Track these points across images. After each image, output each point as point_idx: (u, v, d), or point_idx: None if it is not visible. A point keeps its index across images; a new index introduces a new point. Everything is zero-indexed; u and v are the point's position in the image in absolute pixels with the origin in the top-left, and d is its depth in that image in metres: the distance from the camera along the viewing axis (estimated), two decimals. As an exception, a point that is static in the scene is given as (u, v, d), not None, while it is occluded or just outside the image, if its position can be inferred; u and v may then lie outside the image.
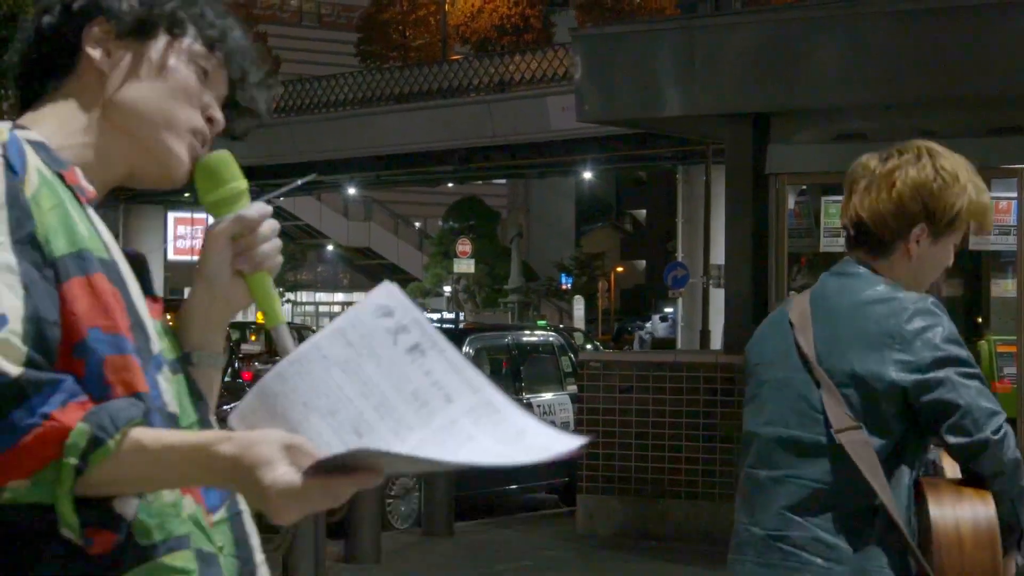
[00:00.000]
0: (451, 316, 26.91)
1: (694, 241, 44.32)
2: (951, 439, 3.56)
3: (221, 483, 1.95)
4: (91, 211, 2.08)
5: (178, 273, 58.18)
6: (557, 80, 45.82)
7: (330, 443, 1.87)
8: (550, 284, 66.66)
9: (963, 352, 3.59)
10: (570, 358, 16.42)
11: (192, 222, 64.11)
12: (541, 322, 44.95)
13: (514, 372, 15.74)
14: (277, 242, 2.18)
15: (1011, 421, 10.04)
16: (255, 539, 2.17)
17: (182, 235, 65.01)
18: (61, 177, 2.05)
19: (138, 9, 2.17)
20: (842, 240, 8.20)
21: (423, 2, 58.01)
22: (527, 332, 18.28)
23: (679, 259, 43.72)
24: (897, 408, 3.60)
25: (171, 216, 63.85)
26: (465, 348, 15.11)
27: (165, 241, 60.70)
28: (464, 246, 48.99)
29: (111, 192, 2.20)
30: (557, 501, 15.93)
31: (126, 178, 2.19)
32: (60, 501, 1.86)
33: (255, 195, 2.21)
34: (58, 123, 2.14)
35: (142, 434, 1.90)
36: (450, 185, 60.09)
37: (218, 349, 2.22)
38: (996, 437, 3.52)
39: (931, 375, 3.55)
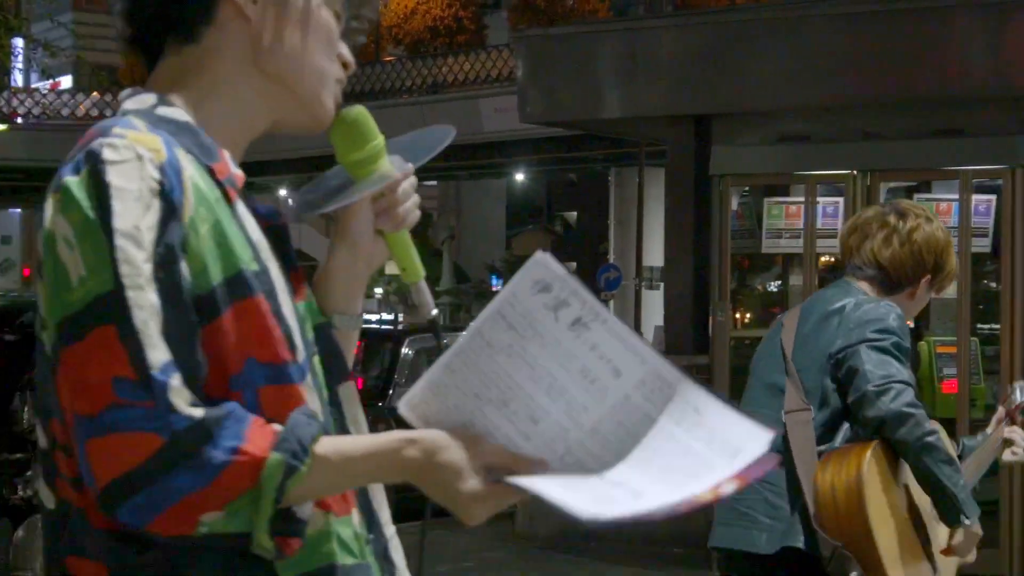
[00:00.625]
0: (390, 318, 26.82)
1: (626, 243, 44.47)
2: (849, 399, 4.17)
3: (405, 480, 1.94)
4: (240, 207, 2.03)
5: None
6: (490, 82, 45.88)
7: (508, 434, 1.86)
8: (481, 286, 66.71)
9: (889, 338, 4.19)
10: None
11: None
12: (473, 324, 44.98)
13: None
14: (416, 198, 2.17)
15: (951, 421, 10.09)
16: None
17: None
18: (211, 172, 1.99)
19: None
20: (782, 241, 8.70)
21: (355, 3, 58.00)
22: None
23: (611, 261, 43.84)
24: (834, 384, 4.25)
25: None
26: (404, 349, 15.08)
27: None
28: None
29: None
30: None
31: (269, 129, 2.14)
32: (258, 529, 1.87)
33: None
34: (204, 86, 2.07)
35: (326, 448, 1.90)
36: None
37: (359, 310, 2.22)
38: (874, 389, 4.08)
39: (849, 348, 4.20)
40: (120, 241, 1.86)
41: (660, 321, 42.35)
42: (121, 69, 55.31)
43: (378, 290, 62.47)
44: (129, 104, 2.07)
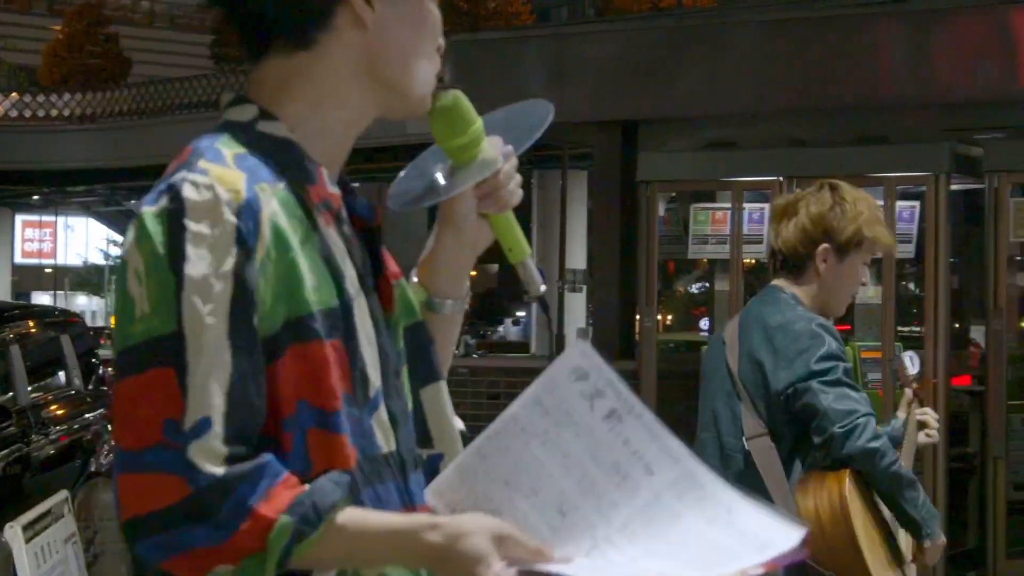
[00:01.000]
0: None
1: (549, 246, 44.46)
2: (815, 439, 4.18)
3: (425, 567, 1.92)
4: (332, 231, 2.02)
5: (26, 276, 57.18)
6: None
7: (535, 526, 1.82)
8: (404, 288, 66.73)
9: (835, 364, 4.17)
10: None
11: (40, 225, 63.11)
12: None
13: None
14: (519, 178, 2.16)
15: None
16: None
17: (30, 238, 63.93)
18: (303, 197, 1.97)
19: None
20: (709, 247, 8.70)
21: None
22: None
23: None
24: (786, 415, 4.23)
25: (19, 219, 62.80)
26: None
27: (12, 244, 59.67)
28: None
29: None
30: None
31: None
32: None
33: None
34: (312, 97, 2.04)
35: (346, 518, 1.89)
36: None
37: (464, 294, 2.22)
38: (840, 431, 4.10)
39: (800, 385, 4.17)
40: (189, 288, 1.87)
41: (582, 323, 42.44)
42: (40, 70, 54.89)
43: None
44: (231, 114, 2.04)
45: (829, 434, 4.13)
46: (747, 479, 4.19)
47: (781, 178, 10.98)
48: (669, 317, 13.67)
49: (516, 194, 2.17)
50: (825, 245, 4.30)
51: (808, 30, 12.11)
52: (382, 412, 2.02)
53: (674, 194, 11.86)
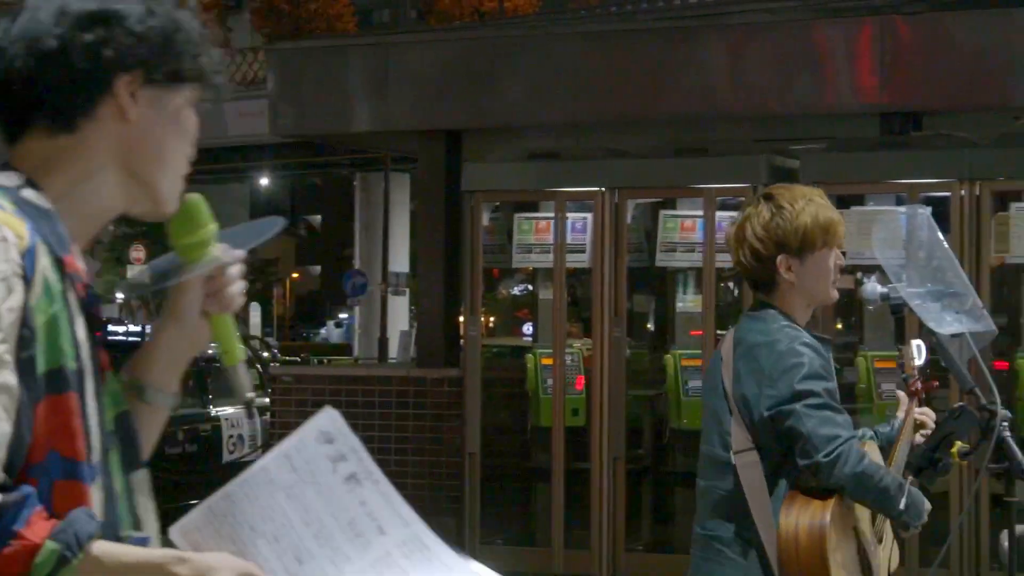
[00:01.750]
0: (137, 329, 26.33)
1: (372, 248, 44.46)
2: (800, 461, 4.26)
3: None
4: (74, 302, 2.10)
5: None
6: (234, 85, 45.47)
7: (274, 569, 1.96)
8: (224, 290, 66.09)
9: (817, 386, 4.26)
10: (258, 370, 16.37)
11: None
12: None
13: (200, 384, 15.57)
14: (242, 283, 2.27)
15: (696, 434, 10.35)
16: None
17: None
18: (61, 265, 2.07)
19: (172, 61, 2.22)
20: (533, 256, 9.02)
21: (95, 2, 56.95)
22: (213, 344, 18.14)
23: (356, 266, 43.80)
24: (772, 434, 4.31)
25: None
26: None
27: None
28: (138, 252, 48.11)
29: None
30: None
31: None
32: None
33: None
34: (73, 177, 2.17)
35: (101, 550, 2.00)
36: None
37: (175, 389, 2.30)
38: (826, 460, 4.17)
39: (785, 407, 4.24)
40: None
41: (405, 326, 42.45)
42: None
43: (120, 295, 61.46)
44: None
45: (815, 462, 4.19)
46: (737, 493, 4.33)
47: (603, 189, 11.13)
48: (492, 322, 13.75)
49: (239, 299, 2.28)
50: (781, 256, 4.37)
51: (629, 43, 12.28)
52: (99, 481, 2.11)
53: (498, 204, 11.94)
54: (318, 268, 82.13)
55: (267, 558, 2.00)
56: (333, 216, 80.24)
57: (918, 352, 4.51)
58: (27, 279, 2.01)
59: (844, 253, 4.54)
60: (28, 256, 2.02)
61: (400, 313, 43.06)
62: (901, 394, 4.60)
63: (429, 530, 2.02)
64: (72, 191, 2.16)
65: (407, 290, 41.30)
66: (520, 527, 12.16)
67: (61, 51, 2.16)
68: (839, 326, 11.94)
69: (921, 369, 4.53)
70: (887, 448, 4.52)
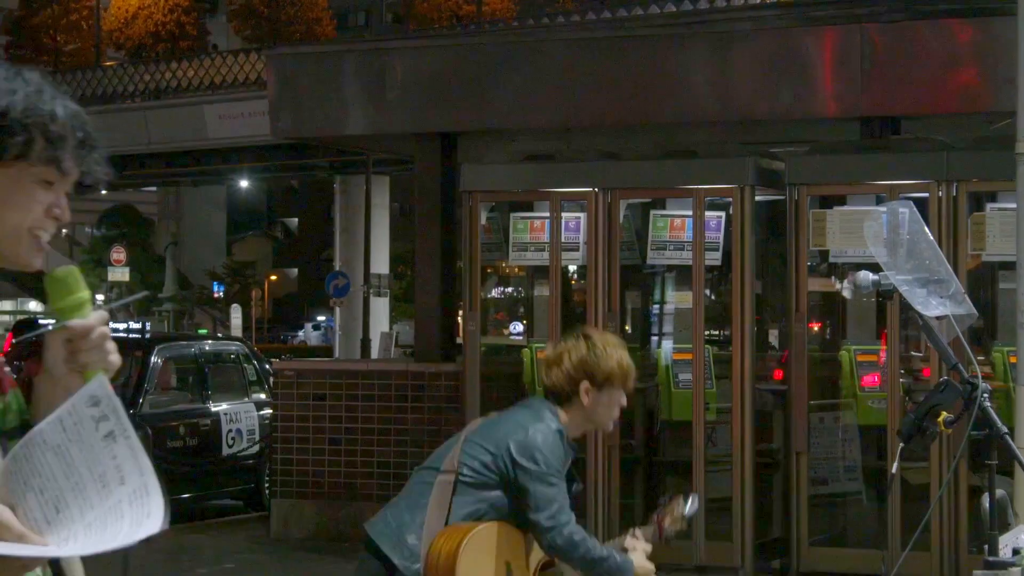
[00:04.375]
0: (138, 326, 26.61)
1: (353, 250, 44.70)
2: (528, 515, 5.36)
3: None
4: None
5: None
6: (214, 88, 45.64)
7: (37, 519, 2.37)
8: (203, 292, 66.17)
9: (543, 464, 5.32)
10: (254, 366, 16.75)
11: None
12: (202, 330, 44.78)
13: (200, 381, 15.97)
14: (108, 346, 2.55)
15: (685, 424, 10.76)
16: None
17: None
18: None
19: (17, 144, 2.54)
20: (528, 254, 10.11)
21: (75, 6, 56.94)
22: (213, 341, 18.58)
23: (337, 268, 44.05)
24: (500, 479, 5.39)
25: None
26: (154, 358, 15.29)
27: None
28: (118, 254, 48.35)
29: None
30: (244, 507, 16.23)
31: None
32: None
33: None
34: None
35: None
36: (104, 192, 59.22)
37: None
38: (546, 524, 5.30)
39: (520, 470, 5.34)
40: None
41: (386, 327, 42.57)
42: None
43: (99, 297, 61.59)
44: None
45: (534, 522, 5.31)
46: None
47: (596, 189, 11.53)
48: (493, 323, 14.17)
49: (101, 361, 2.54)
50: (585, 383, 5.42)
51: (618, 50, 12.69)
52: None
53: (494, 204, 12.33)
54: (295, 271, 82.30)
55: (32, 508, 2.35)
56: (310, 218, 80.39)
57: (691, 504, 5.70)
58: None
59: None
60: None
61: (381, 315, 43.37)
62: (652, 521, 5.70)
63: (156, 478, 2.40)
64: None
65: (388, 292, 41.60)
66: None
67: None
68: (822, 325, 12.39)
69: (682, 518, 5.72)
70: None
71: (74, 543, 2.34)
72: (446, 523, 5.30)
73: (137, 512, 2.34)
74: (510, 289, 15.65)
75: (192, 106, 44.70)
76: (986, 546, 4.46)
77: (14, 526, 2.33)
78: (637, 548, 5.49)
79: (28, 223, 2.60)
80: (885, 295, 4.89)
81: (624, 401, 5.52)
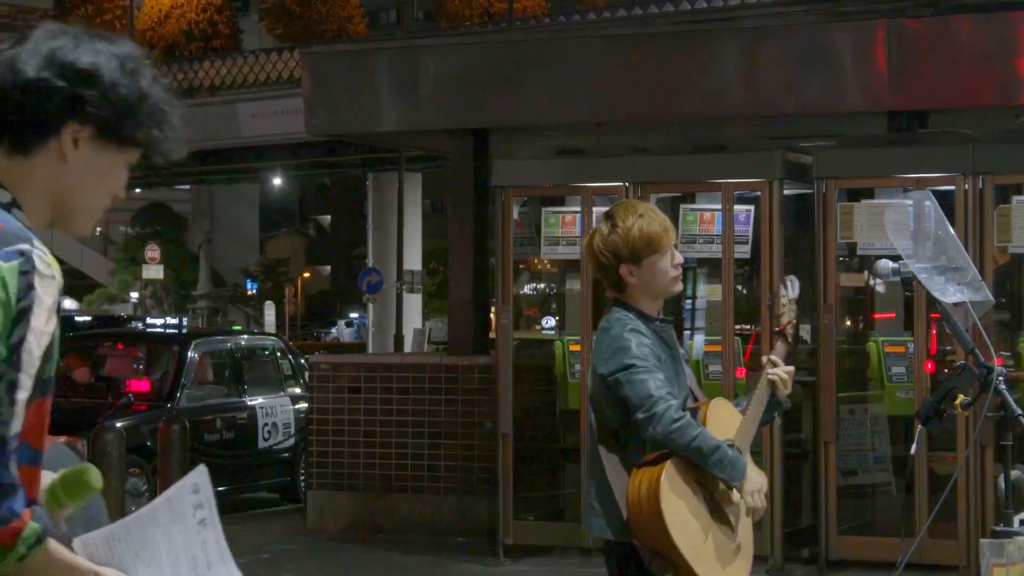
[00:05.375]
0: (174, 322, 26.98)
1: (385, 247, 44.91)
2: (633, 418, 5.01)
3: None
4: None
5: None
6: (247, 86, 45.89)
7: None
8: (236, 290, 66.46)
9: (640, 361, 5.01)
10: (290, 361, 16.94)
11: None
12: (236, 327, 45.03)
13: (236, 375, 16.17)
14: None
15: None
16: None
17: None
18: None
19: (125, 127, 2.67)
20: (560, 248, 10.23)
21: (108, 6, 57.33)
22: (248, 336, 18.79)
23: (370, 265, 44.23)
24: (610, 403, 5.10)
25: None
26: (190, 353, 15.49)
27: None
28: (153, 252, 48.75)
29: None
30: (279, 500, 16.43)
31: None
32: None
33: None
34: (32, 197, 2.65)
35: (52, 545, 2.54)
36: (138, 190, 59.58)
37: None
38: (643, 417, 4.95)
39: (612, 378, 5.05)
40: (31, 336, 2.51)
41: (419, 323, 42.75)
42: None
43: (133, 294, 62.00)
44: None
45: (635, 419, 4.97)
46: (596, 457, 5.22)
47: (627, 183, 11.67)
48: (521, 318, 14.33)
49: None
50: (623, 267, 5.15)
51: (647, 46, 12.83)
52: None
53: (526, 199, 12.47)
54: (328, 268, 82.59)
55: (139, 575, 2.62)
56: (343, 216, 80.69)
57: (791, 286, 5.27)
58: (57, 310, 2.57)
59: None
60: (59, 290, 2.56)
61: (414, 311, 43.56)
62: (764, 359, 5.29)
63: (237, 570, 2.68)
64: (32, 212, 2.65)
65: (421, 288, 41.80)
66: (550, 504, 12.73)
67: (35, 85, 2.60)
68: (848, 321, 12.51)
69: (792, 301, 5.26)
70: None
71: None
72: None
73: None
74: (542, 285, 15.79)
75: (225, 104, 44.98)
76: (1001, 523, 4.61)
77: None
78: (778, 368, 5.16)
79: (108, 201, 2.75)
80: (905, 283, 5.03)
81: (671, 260, 5.16)
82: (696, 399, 5.25)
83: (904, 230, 5.22)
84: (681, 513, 4.95)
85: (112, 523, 2.68)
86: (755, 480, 5.06)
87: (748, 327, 12.46)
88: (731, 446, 5.03)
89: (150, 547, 2.62)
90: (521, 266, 13.46)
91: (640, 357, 5.02)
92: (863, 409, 11.62)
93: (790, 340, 5.29)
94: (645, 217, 5.16)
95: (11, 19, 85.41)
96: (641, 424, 4.94)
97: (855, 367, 11.75)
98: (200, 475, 2.67)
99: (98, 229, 74.34)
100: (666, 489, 4.91)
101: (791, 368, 5.23)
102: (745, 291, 12.72)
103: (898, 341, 11.44)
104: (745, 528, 5.15)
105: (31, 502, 2.52)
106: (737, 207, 11.49)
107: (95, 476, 2.81)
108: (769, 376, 5.19)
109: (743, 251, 11.53)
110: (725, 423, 5.11)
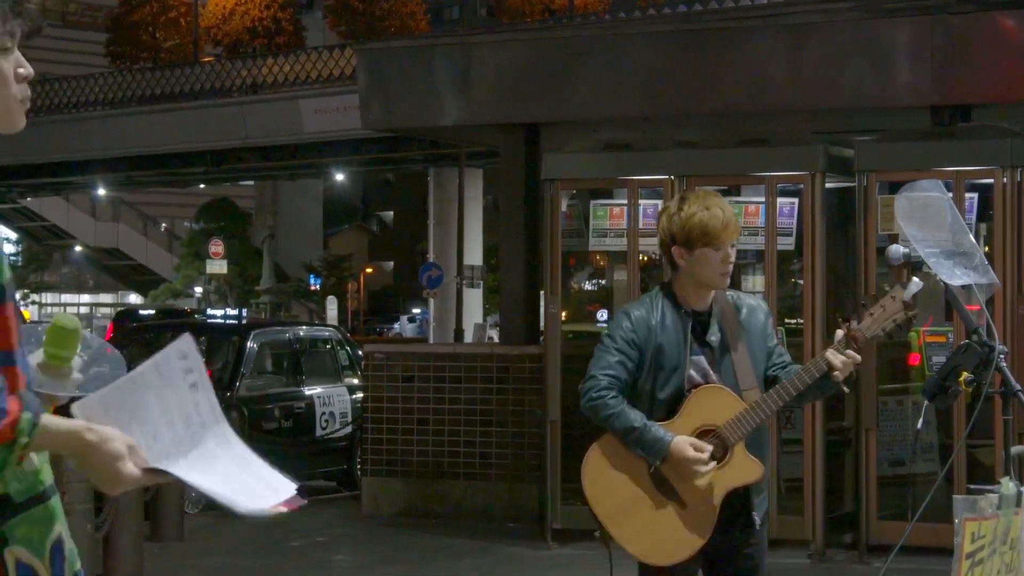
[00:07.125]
0: (234, 313, 27.30)
1: (446, 242, 45.14)
2: None
3: (78, 456, 2.78)
4: None
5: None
6: (310, 83, 46.29)
7: (139, 444, 2.83)
8: (300, 285, 66.96)
9: (616, 337, 5.34)
10: (347, 352, 17.25)
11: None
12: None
13: (294, 365, 16.48)
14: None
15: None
16: None
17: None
18: None
19: None
20: (607, 240, 10.31)
21: (174, 4, 57.93)
22: (306, 327, 19.10)
23: (431, 260, 44.51)
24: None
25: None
26: (250, 343, 15.83)
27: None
28: (217, 247, 49.22)
29: None
30: (336, 487, 16.73)
31: None
32: (9, 466, 2.72)
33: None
34: None
35: (45, 420, 2.75)
36: (202, 186, 60.18)
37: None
38: (581, 387, 5.40)
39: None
40: None
41: (479, 318, 42.93)
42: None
43: (198, 289, 62.62)
44: None
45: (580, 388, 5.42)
46: None
47: (672, 176, 11.90)
48: (571, 305, 14.57)
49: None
50: (676, 248, 5.33)
51: (694, 42, 13.08)
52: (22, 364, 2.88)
53: (575, 191, 12.72)
54: (391, 263, 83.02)
55: (135, 436, 2.79)
56: (406, 211, 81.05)
57: (912, 287, 5.26)
58: None
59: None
60: None
61: (475, 306, 43.83)
62: (838, 332, 5.38)
63: (231, 428, 2.89)
64: None
65: (481, 283, 42.05)
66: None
67: None
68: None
69: (901, 304, 5.30)
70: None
71: (175, 468, 2.83)
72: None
73: (236, 455, 2.88)
74: (597, 280, 16.02)
75: (288, 101, 45.39)
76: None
77: (139, 450, 2.79)
78: (837, 360, 5.24)
79: (11, 93, 2.88)
80: (915, 267, 5.27)
81: (722, 257, 5.29)
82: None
83: (913, 217, 5.43)
84: (604, 482, 5.36)
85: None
86: (682, 460, 5.23)
87: (793, 321, 12.62)
88: (649, 426, 5.26)
89: (143, 408, 2.78)
90: (573, 263, 13.67)
91: (612, 337, 5.38)
92: (899, 400, 11.79)
93: (859, 347, 5.35)
94: (711, 210, 5.28)
95: (79, 16, 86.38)
96: (581, 394, 5.40)
97: (896, 357, 11.92)
98: (186, 342, 2.85)
99: (163, 224, 75.15)
100: (591, 460, 5.39)
101: (857, 357, 5.32)
102: (788, 281, 12.89)
103: (939, 331, 11.62)
104: (707, 504, 5.29)
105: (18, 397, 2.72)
106: (781, 200, 11.68)
107: (66, 319, 3.07)
108: (828, 355, 5.27)
109: (787, 243, 11.73)
110: (712, 410, 5.30)
